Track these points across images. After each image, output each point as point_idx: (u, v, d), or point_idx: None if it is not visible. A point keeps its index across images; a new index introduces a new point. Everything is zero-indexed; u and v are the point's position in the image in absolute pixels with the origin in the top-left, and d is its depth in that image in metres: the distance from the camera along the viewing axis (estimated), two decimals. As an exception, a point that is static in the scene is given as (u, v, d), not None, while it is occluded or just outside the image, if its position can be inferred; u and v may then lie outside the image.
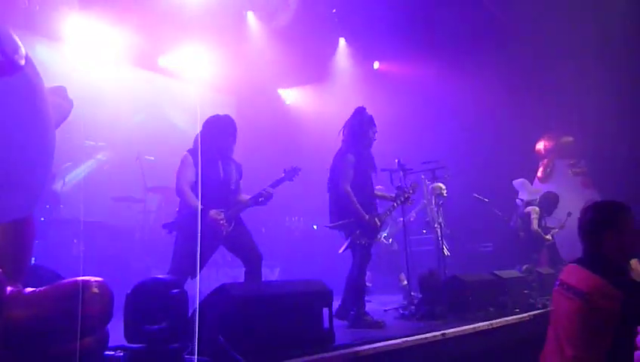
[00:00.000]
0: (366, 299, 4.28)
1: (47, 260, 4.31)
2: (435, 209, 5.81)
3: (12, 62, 1.79)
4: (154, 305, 2.49)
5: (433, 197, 5.94)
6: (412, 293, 4.94)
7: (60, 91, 2.44)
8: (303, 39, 8.10)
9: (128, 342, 2.48)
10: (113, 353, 2.39)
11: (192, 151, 3.85)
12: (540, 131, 9.02)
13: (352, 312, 4.06)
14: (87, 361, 1.96)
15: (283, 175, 4.12)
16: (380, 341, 3.09)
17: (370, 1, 7.68)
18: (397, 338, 3.19)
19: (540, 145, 9.18)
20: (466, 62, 8.16)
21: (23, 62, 1.84)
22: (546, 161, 9.17)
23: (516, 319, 4.29)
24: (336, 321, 3.20)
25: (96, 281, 2.04)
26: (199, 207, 3.59)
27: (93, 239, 5.76)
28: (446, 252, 5.58)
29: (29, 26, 5.95)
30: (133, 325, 2.48)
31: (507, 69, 7.89)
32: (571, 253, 6.99)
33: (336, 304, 3.64)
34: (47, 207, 5.54)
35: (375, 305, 5.14)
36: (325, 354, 2.70)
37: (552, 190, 7.36)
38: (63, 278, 2.22)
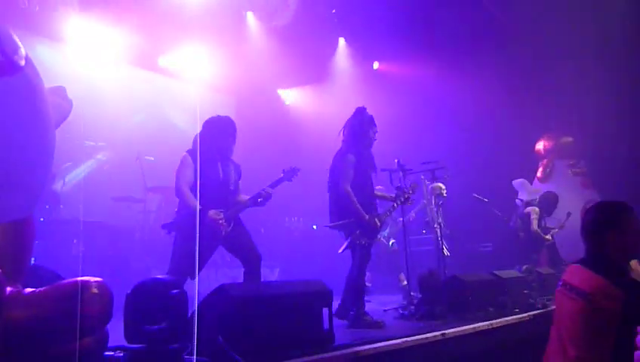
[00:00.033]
0: (366, 299, 4.28)
1: (46, 260, 4.31)
2: (435, 209, 5.81)
3: (12, 63, 1.80)
4: (154, 305, 2.49)
5: (433, 197, 5.94)
6: (412, 293, 4.94)
7: (60, 91, 2.44)
8: (302, 39, 8.10)
9: (128, 343, 2.48)
10: (113, 353, 2.39)
11: (191, 152, 3.86)
12: (540, 131, 9.02)
13: (351, 312, 4.06)
14: (86, 361, 1.96)
15: (282, 175, 4.12)
16: (379, 341, 3.09)
17: (369, 1, 7.68)
18: (397, 339, 3.19)
19: (540, 146, 9.19)
20: (466, 62, 8.16)
21: (22, 62, 1.84)
22: (545, 161, 9.18)
23: (516, 319, 4.29)
24: (335, 321, 3.20)
25: (95, 281, 2.05)
26: (198, 207, 3.59)
27: (93, 239, 5.76)
28: (446, 252, 5.57)
29: (28, 26, 5.95)
30: (132, 325, 2.48)
31: (507, 69, 7.90)
32: (571, 253, 7.03)
33: (335, 304, 3.65)
34: (47, 207, 5.54)
35: (375, 305, 5.14)
36: (325, 355, 2.70)
37: (551, 190, 7.37)
38: (63, 278, 2.22)
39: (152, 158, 6.81)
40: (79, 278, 2.05)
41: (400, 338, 3.21)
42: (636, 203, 2.46)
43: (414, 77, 8.78)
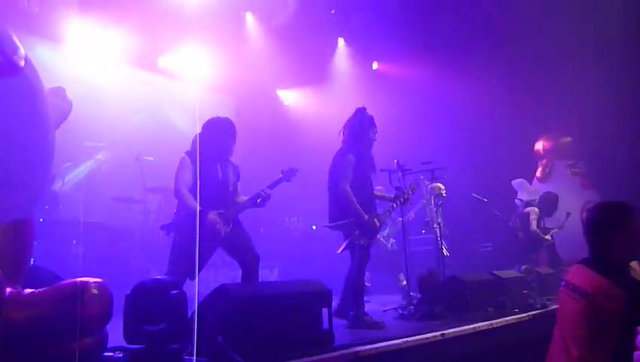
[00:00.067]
0: (365, 299, 4.28)
1: (46, 261, 4.30)
2: (434, 209, 5.81)
3: (12, 63, 1.80)
4: (153, 305, 2.49)
5: (432, 197, 5.93)
6: (411, 293, 4.94)
7: (60, 92, 2.45)
8: (301, 40, 8.11)
9: (127, 343, 2.48)
10: (112, 354, 2.39)
11: (190, 153, 3.86)
12: (539, 131, 9.03)
13: (351, 313, 4.06)
14: (86, 362, 1.96)
15: (280, 176, 4.12)
16: (379, 341, 3.09)
17: (368, 2, 7.69)
18: (397, 339, 3.19)
19: (539, 146, 9.19)
20: (465, 62, 8.16)
21: (22, 63, 1.84)
22: (544, 161, 9.18)
23: (515, 319, 4.30)
24: (335, 321, 3.20)
25: (95, 282, 2.05)
26: (198, 208, 3.58)
27: (93, 240, 5.76)
28: (445, 252, 5.58)
29: (28, 27, 5.94)
30: (132, 326, 2.48)
31: (506, 69, 7.90)
32: (570, 253, 7.03)
33: (335, 304, 3.65)
34: (47, 207, 5.53)
35: (374, 305, 5.14)
36: (325, 355, 2.70)
37: (551, 190, 7.37)
38: (62, 279, 2.22)
39: (152, 159, 6.80)
40: (79, 279, 2.05)
41: (400, 338, 3.21)
42: (636, 203, 2.46)
43: (414, 77, 8.78)
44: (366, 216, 4.17)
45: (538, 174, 9.14)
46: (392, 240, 6.84)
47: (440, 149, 7.05)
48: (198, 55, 7.80)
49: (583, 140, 8.47)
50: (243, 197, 4.01)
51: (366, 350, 2.91)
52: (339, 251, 4.29)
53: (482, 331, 3.82)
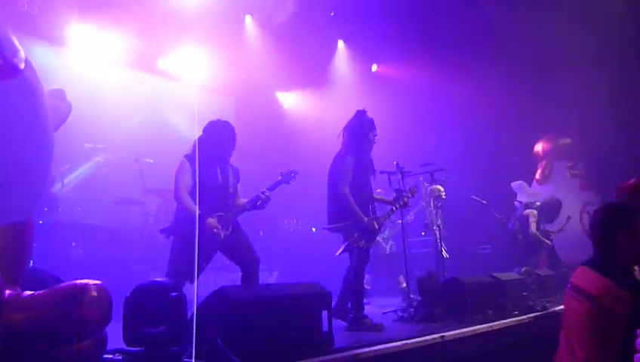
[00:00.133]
0: (365, 301, 4.27)
1: (45, 263, 4.29)
2: (434, 211, 5.82)
3: (12, 66, 1.80)
4: (153, 308, 2.48)
5: (432, 199, 5.94)
6: (411, 296, 4.94)
7: (59, 94, 2.45)
8: (301, 42, 8.11)
9: (127, 346, 2.48)
10: (112, 356, 2.39)
11: (190, 157, 3.86)
12: (539, 133, 9.04)
13: (350, 315, 4.06)
14: (85, 364, 1.95)
15: (280, 178, 4.12)
16: (379, 343, 3.09)
17: (368, 4, 7.70)
18: (396, 341, 3.18)
19: (539, 147, 9.21)
20: (465, 64, 8.17)
21: (22, 65, 1.84)
22: (544, 162, 9.19)
23: (515, 321, 4.29)
24: (335, 324, 3.20)
25: (94, 284, 2.04)
26: (197, 212, 3.58)
27: (92, 242, 5.75)
28: (445, 254, 5.58)
29: (28, 29, 5.94)
30: (132, 328, 2.48)
31: (505, 71, 7.91)
32: (571, 256, 7.04)
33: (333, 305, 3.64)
34: (46, 209, 5.53)
35: (374, 307, 5.14)
36: (325, 357, 2.70)
37: (551, 193, 7.38)
38: (62, 281, 2.22)
39: (151, 160, 6.80)
40: (78, 281, 2.05)
41: (399, 340, 3.21)
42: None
43: (413, 79, 8.79)
44: (365, 219, 4.17)
45: (537, 176, 9.14)
46: (390, 243, 6.84)
47: (439, 151, 7.05)
48: (198, 57, 7.80)
49: (583, 141, 8.49)
50: (243, 200, 4.01)
51: (365, 352, 2.90)
52: (337, 253, 4.29)
53: (482, 333, 3.82)
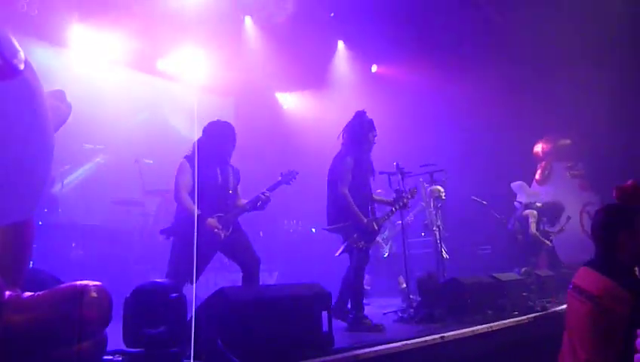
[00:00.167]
0: (365, 302, 4.27)
1: (45, 264, 4.29)
2: (434, 212, 5.81)
3: (11, 67, 1.80)
4: (153, 309, 2.48)
5: (432, 200, 5.94)
6: (411, 296, 4.94)
7: (59, 95, 2.45)
8: (300, 43, 8.11)
9: (127, 347, 2.48)
10: (112, 357, 2.39)
11: (190, 158, 3.85)
12: (538, 134, 9.05)
13: (350, 315, 4.06)
14: (85, 365, 1.95)
15: (280, 178, 4.12)
16: (379, 344, 3.09)
17: (367, 4, 7.70)
18: (396, 342, 3.18)
19: (538, 148, 9.21)
20: (464, 64, 8.18)
21: (22, 66, 1.84)
22: (544, 163, 9.20)
23: (515, 321, 4.29)
24: (335, 324, 3.20)
25: (94, 285, 2.04)
26: (196, 214, 3.58)
27: (92, 242, 5.74)
28: (445, 254, 5.58)
29: (27, 30, 5.94)
30: (132, 329, 2.48)
31: (505, 71, 7.91)
32: (571, 256, 7.03)
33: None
34: (45, 210, 5.52)
35: (374, 308, 5.13)
36: (326, 358, 2.70)
37: (553, 195, 7.38)
38: (62, 282, 2.22)
39: (151, 161, 6.80)
40: (78, 282, 2.05)
41: (399, 341, 3.21)
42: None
43: (413, 80, 8.79)
44: (364, 219, 4.17)
45: (537, 176, 9.15)
46: (390, 243, 6.82)
47: (439, 152, 7.05)
48: (197, 58, 7.80)
49: (582, 142, 8.49)
50: (243, 201, 4.01)
51: (366, 353, 2.90)
52: (337, 254, 4.29)
53: (482, 334, 3.82)
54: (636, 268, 2.36)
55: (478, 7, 7.63)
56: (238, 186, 4.05)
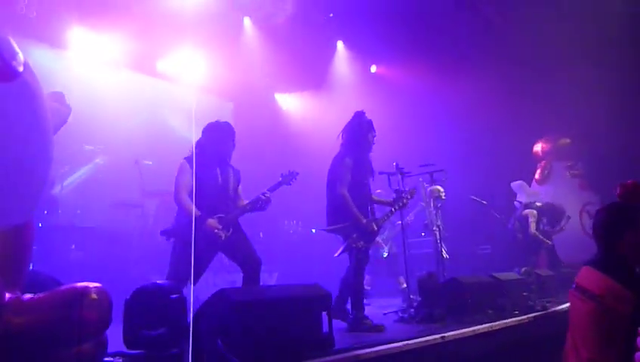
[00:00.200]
0: (365, 302, 4.27)
1: (45, 266, 4.29)
2: (434, 211, 5.82)
3: (10, 69, 1.80)
4: (153, 310, 2.48)
5: (431, 200, 5.94)
6: (411, 296, 4.94)
7: (59, 97, 2.45)
8: (299, 43, 8.12)
9: (127, 348, 2.48)
10: (112, 359, 2.39)
11: (190, 159, 3.85)
12: (538, 133, 9.05)
13: (351, 316, 4.06)
14: (86, 367, 1.95)
15: (280, 179, 4.12)
16: (380, 344, 3.08)
17: (366, 5, 7.70)
18: (397, 342, 3.18)
19: (538, 148, 9.22)
20: (464, 65, 8.18)
21: (21, 68, 1.84)
22: (543, 163, 9.21)
23: (515, 321, 4.29)
24: (335, 325, 3.20)
25: (94, 287, 2.04)
26: (194, 215, 3.57)
27: (91, 244, 5.74)
28: (445, 254, 5.58)
29: (26, 32, 5.94)
30: (132, 331, 2.48)
31: (504, 71, 7.92)
32: (570, 255, 7.03)
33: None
34: (45, 212, 5.52)
35: (374, 308, 5.14)
36: (327, 358, 2.69)
37: (552, 195, 7.40)
38: (62, 284, 2.21)
39: (150, 162, 6.80)
40: (78, 284, 2.04)
41: (400, 341, 3.21)
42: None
43: (412, 80, 8.79)
44: (364, 220, 4.17)
45: (537, 176, 9.15)
46: (390, 244, 6.81)
47: (439, 152, 7.05)
48: (197, 59, 7.80)
49: (582, 141, 8.50)
50: (244, 201, 4.01)
51: (366, 353, 2.90)
52: (336, 254, 4.29)
53: (482, 333, 3.82)
54: (638, 267, 2.36)
55: (477, 7, 7.64)
56: (239, 187, 4.05)
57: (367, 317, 4.02)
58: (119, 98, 7.07)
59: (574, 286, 2.32)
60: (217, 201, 3.81)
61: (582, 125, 8.03)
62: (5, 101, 1.83)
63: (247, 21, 8.23)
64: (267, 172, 5.30)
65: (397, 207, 4.50)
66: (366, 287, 4.99)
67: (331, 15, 8.23)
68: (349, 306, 4.21)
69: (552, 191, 8.05)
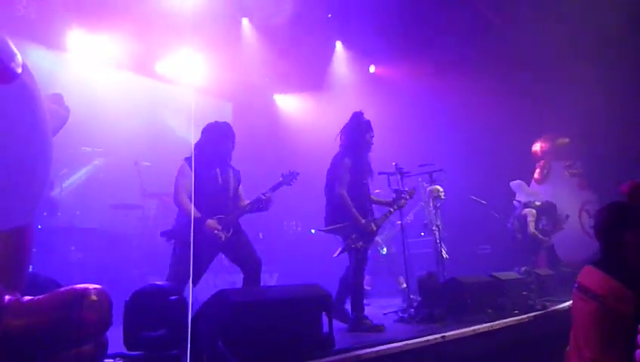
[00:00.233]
0: (365, 302, 4.27)
1: (45, 268, 4.29)
2: (433, 211, 5.81)
3: (9, 70, 1.80)
4: (153, 311, 2.48)
5: (431, 199, 5.94)
6: (411, 296, 4.94)
7: (58, 98, 2.45)
8: (298, 44, 8.12)
9: (127, 350, 2.47)
10: (112, 360, 2.39)
11: (189, 160, 3.85)
12: (537, 133, 9.06)
13: (351, 316, 4.06)
14: (86, 369, 1.95)
15: (281, 179, 4.12)
16: (380, 344, 3.09)
17: (365, 5, 7.70)
18: (397, 342, 3.19)
19: (537, 147, 9.22)
20: (463, 65, 8.18)
21: (20, 70, 1.84)
22: (542, 162, 9.21)
23: (515, 320, 4.29)
24: (335, 325, 3.20)
25: (94, 289, 2.04)
26: (193, 216, 3.57)
27: (91, 246, 5.74)
28: (444, 254, 5.58)
29: (25, 34, 5.94)
30: (132, 332, 2.48)
31: (504, 71, 7.92)
32: (570, 255, 7.04)
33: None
34: (45, 214, 5.52)
35: (374, 308, 5.14)
36: (328, 359, 2.70)
37: (551, 194, 7.40)
38: (62, 286, 2.21)
39: (150, 164, 6.80)
40: (78, 285, 2.04)
41: (400, 341, 3.21)
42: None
43: (411, 80, 8.80)
44: (362, 220, 4.17)
45: (536, 175, 9.16)
46: (385, 248, 6.80)
47: (438, 152, 7.05)
48: (195, 60, 7.80)
49: (581, 141, 8.50)
50: (245, 202, 4.01)
51: (367, 353, 2.90)
52: (335, 255, 4.28)
53: (482, 333, 3.82)
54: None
55: (476, 7, 7.64)
56: (240, 187, 4.05)
57: (367, 318, 4.02)
58: (118, 99, 7.07)
59: (576, 285, 2.32)
60: (217, 202, 3.81)
61: (581, 125, 8.03)
62: (6, 101, 1.83)
63: (245, 22, 8.23)
64: (267, 172, 5.30)
65: (396, 207, 4.50)
66: (366, 287, 4.98)
67: (330, 15, 8.23)
68: (347, 306, 4.21)
69: (551, 191, 8.05)
